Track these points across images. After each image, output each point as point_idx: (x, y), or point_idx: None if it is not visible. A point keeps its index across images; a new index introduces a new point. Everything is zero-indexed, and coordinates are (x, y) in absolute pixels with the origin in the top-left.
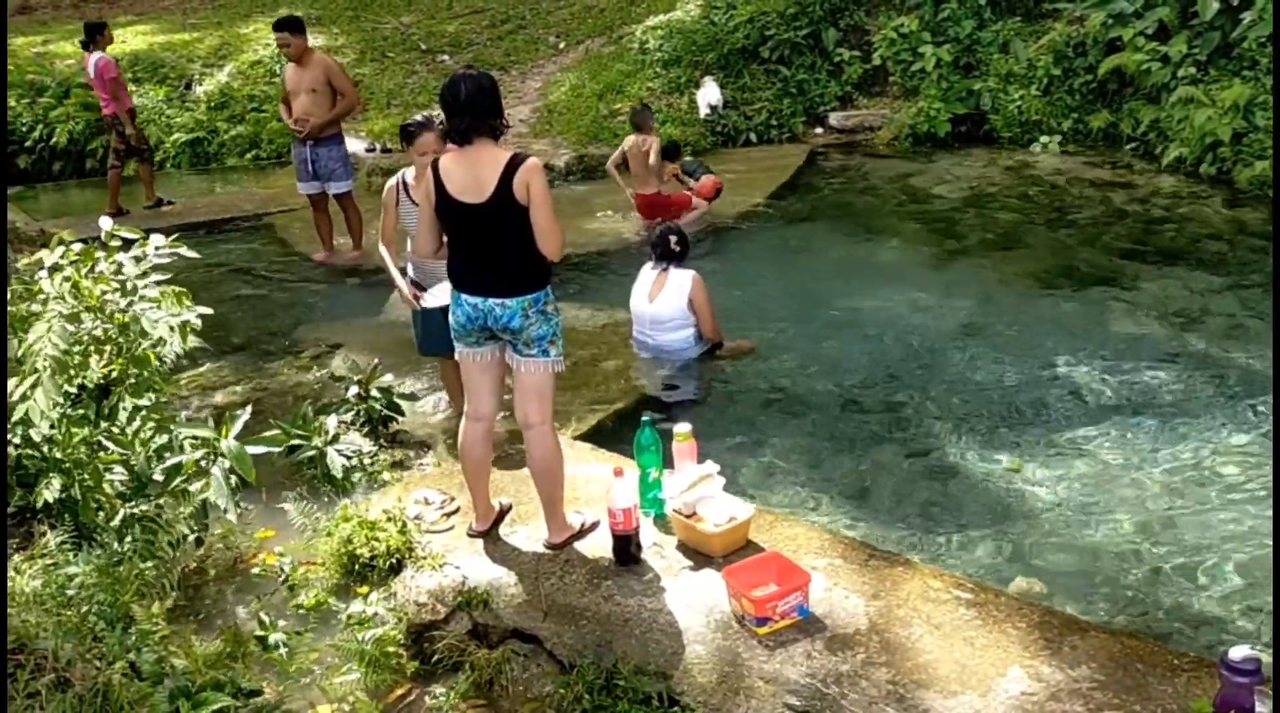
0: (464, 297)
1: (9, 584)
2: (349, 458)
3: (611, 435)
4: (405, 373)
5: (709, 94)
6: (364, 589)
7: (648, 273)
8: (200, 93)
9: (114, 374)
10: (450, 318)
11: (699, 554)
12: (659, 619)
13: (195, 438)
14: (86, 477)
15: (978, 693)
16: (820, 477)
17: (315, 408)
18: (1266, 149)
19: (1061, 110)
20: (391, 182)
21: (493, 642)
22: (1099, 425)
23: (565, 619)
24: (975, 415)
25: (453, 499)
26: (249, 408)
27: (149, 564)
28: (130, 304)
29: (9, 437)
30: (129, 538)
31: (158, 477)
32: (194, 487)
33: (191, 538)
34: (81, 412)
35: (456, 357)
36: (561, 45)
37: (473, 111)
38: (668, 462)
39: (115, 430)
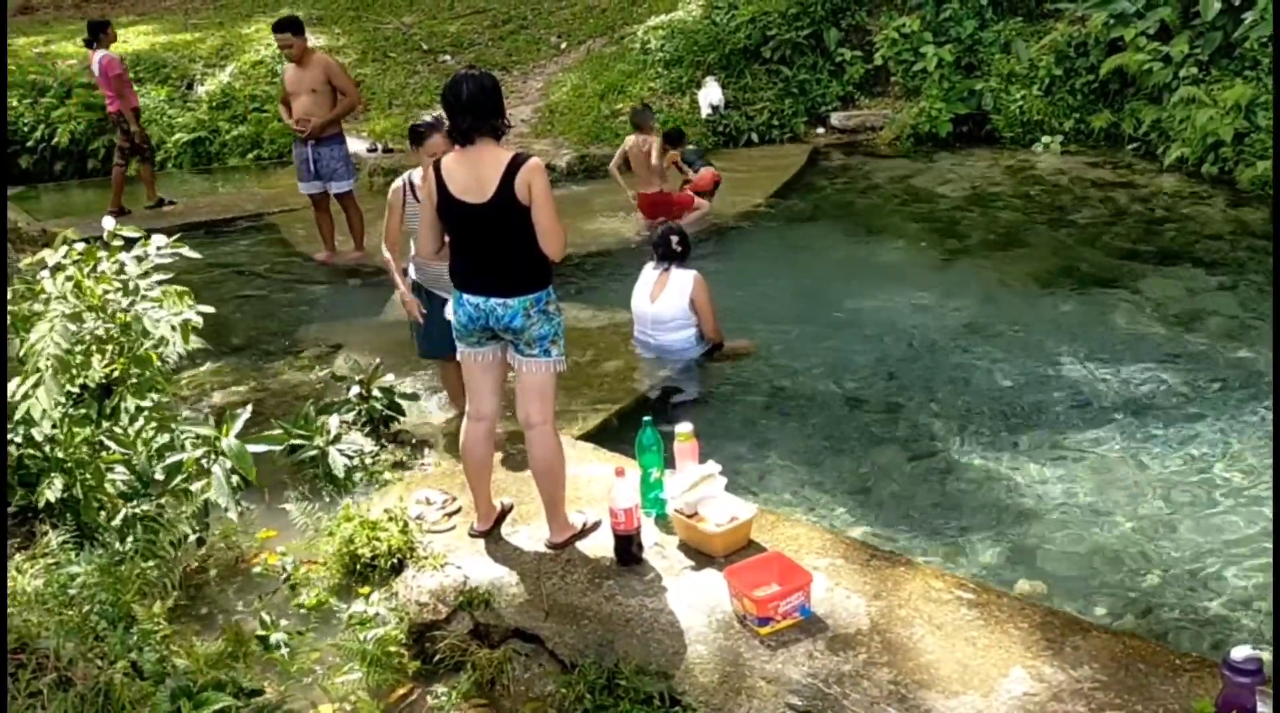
0: (466, 296)
1: (11, 584)
2: (350, 458)
3: (613, 435)
4: (406, 373)
5: (710, 94)
6: (365, 589)
7: (649, 273)
8: (202, 93)
9: (116, 374)
10: (452, 318)
11: (700, 554)
12: (660, 619)
13: (196, 436)
14: (88, 476)
15: (979, 693)
16: (822, 477)
17: (317, 408)
18: (1268, 149)
19: (1063, 110)
20: (398, 183)
21: (494, 642)
22: (1100, 426)
23: (567, 619)
24: (977, 415)
25: (454, 499)
26: (249, 407)
27: (150, 564)
28: (132, 304)
29: (11, 436)
30: (130, 538)
31: (159, 475)
32: (195, 486)
33: (193, 538)
34: (83, 411)
35: (458, 357)
36: (563, 45)
37: (475, 111)
38: (669, 462)
39: (117, 430)
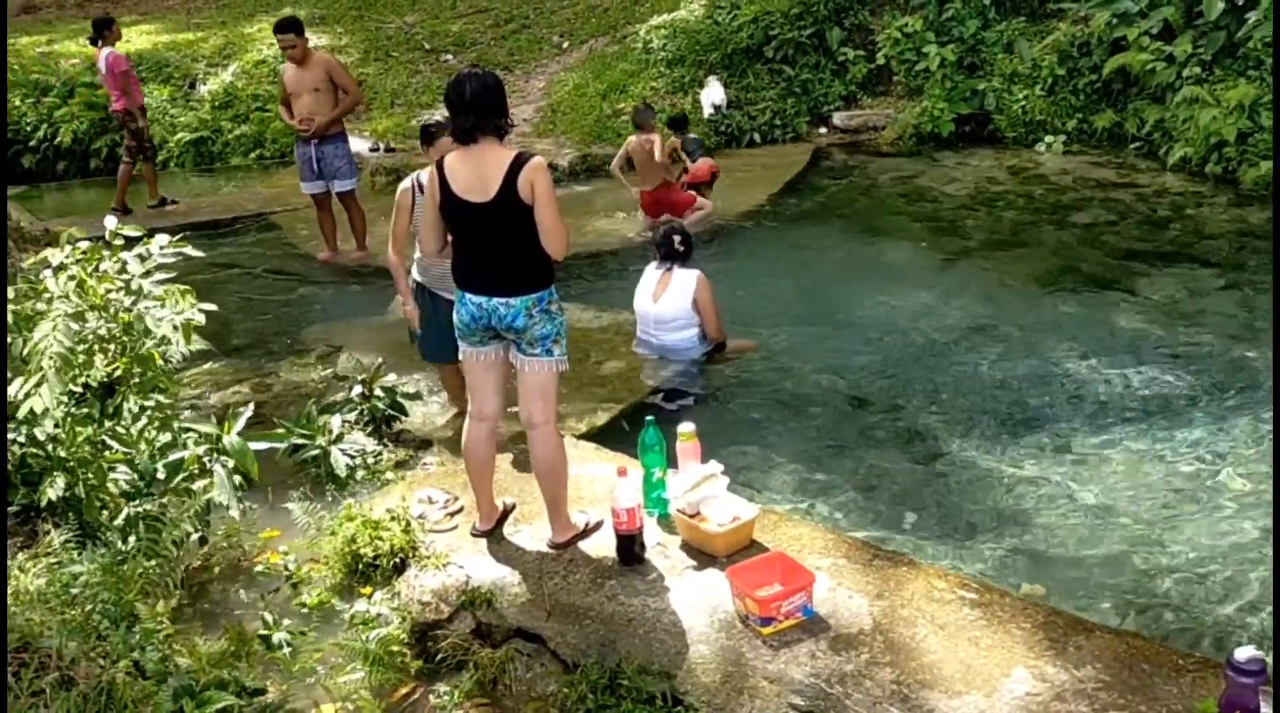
0: (468, 296)
1: (14, 583)
2: (353, 457)
3: (615, 435)
4: (409, 372)
5: (713, 94)
6: (368, 589)
7: (652, 273)
8: (204, 92)
9: (118, 373)
10: (454, 317)
11: (703, 554)
12: (663, 619)
13: (198, 435)
14: (91, 475)
15: (982, 693)
16: (824, 477)
17: (319, 407)
18: (1271, 149)
19: (1066, 110)
20: (406, 183)
21: (496, 641)
22: (1103, 426)
23: (569, 619)
24: (979, 416)
25: (456, 499)
26: (251, 406)
27: (153, 563)
28: (135, 303)
29: (14, 435)
30: (133, 537)
31: (161, 474)
32: (198, 485)
33: (195, 537)
34: (86, 410)
35: (460, 356)
36: (565, 45)
37: (478, 110)
38: (671, 461)
39: (119, 429)
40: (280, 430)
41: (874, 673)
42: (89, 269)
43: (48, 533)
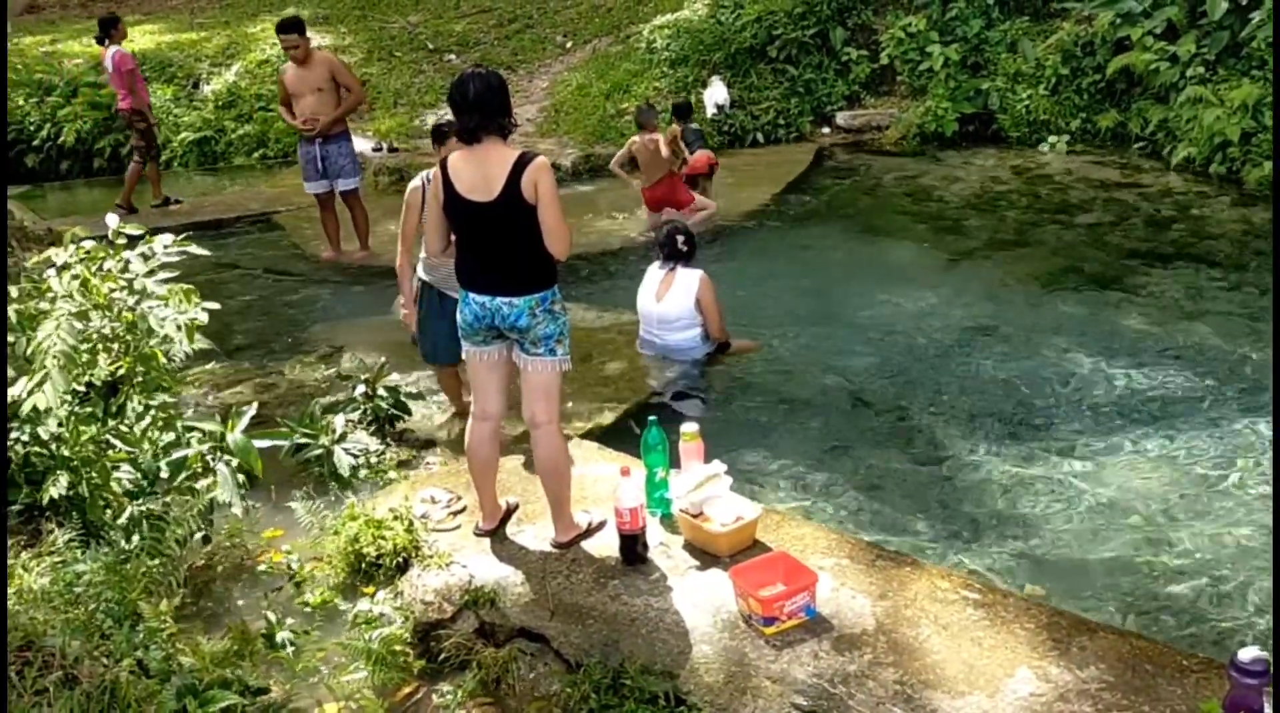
0: (471, 295)
1: (17, 582)
2: (356, 456)
3: (618, 435)
4: (412, 372)
5: (716, 93)
6: (370, 588)
7: (655, 272)
8: (208, 92)
9: (122, 372)
10: (458, 316)
11: (706, 554)
12: (666, 619)
13: (202, 433)
14: (94, 474)
15: (985, 694)
16: (827, 477)
17: (322, 407)
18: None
19: (1070, 110)
20: (416, 182)
21: (499, 641)
22: (1107, 426)
23: (572, 618)
24: (983, 415)
25: (459, 498)
26: (255, 405)
27: (156, 562)
28: (138, 302)
29: (18, 434)
30: (136, 536)
31: (164, 472)
32: (201, 484)
33: (199, 536)
34: (89, 409)
35: (464, 355)
36: (569, 45)
37: (482, 110)
38: (674, 461)
39: (123, 428)
40: (283, 430)
41: (877, 673)
42: (92, 268)
43: (51, 532)
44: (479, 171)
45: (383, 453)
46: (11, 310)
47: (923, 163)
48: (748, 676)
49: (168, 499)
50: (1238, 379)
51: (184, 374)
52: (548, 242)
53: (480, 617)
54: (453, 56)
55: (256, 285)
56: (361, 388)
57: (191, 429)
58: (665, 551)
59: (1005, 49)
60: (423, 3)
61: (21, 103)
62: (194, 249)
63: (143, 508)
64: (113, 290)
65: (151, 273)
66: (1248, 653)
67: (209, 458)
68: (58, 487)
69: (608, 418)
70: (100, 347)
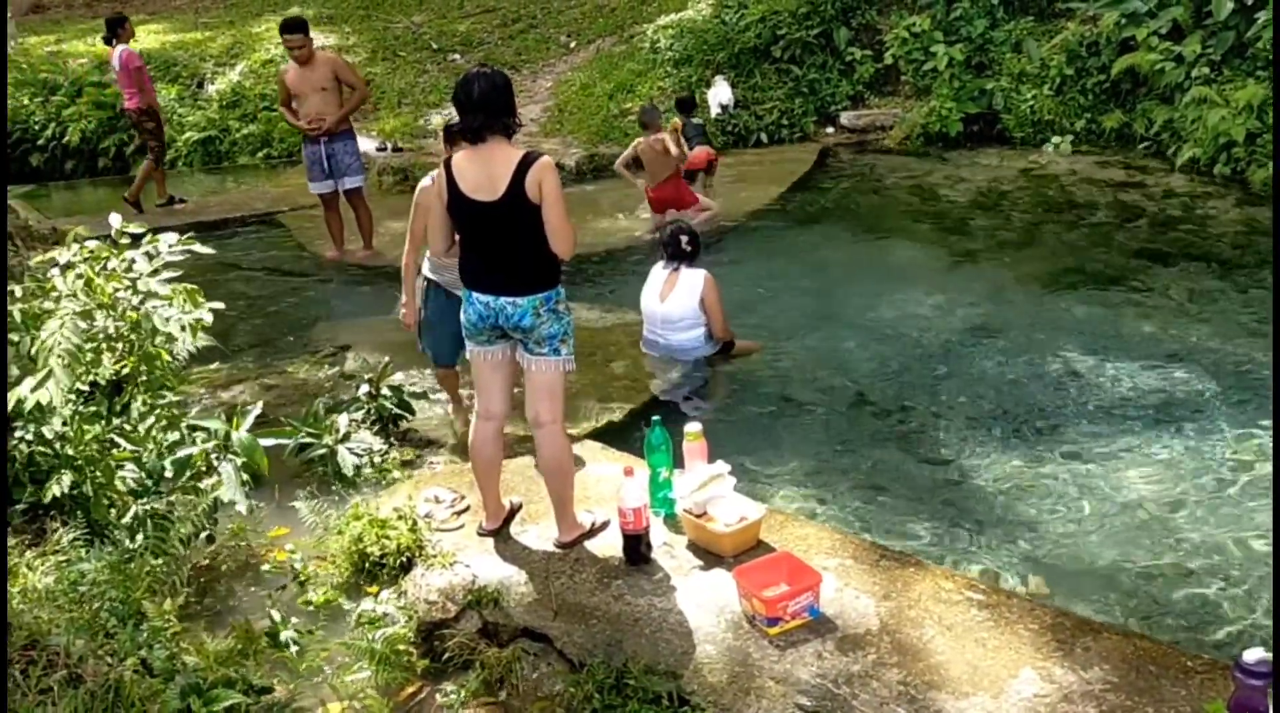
0: (475, 295)
1: (22, 581)
2: (360, 456)
3: (622, 435)
4: (416, 372)
5: (720, 93)
6: (374, 588)
7: (659, 272)
8: (212, 91)
9: (126, 371)
10: (462, 316)
11: (709, 554)
12: (669, 619)
13: (207, 432)
14: (98, 473)
15: (989, 694)
16: (831, 477)
17: (326, 406)
18: None
19: (1074, 110)
20: (426, 182)
21: (503, 640)
22: (1111, 426)
23: (575, 618)
24: (988, 416)
25: (463, 498)
26: (259, 404)
27: (160, 561)
28: (143, 301)
29: (22, 433)
30: (140, 535)
31: (169, 471)
32: (205, 483)
33: (203, 535)
34: (94, 408)
35: (467, 355)
36: (572, 44)
37: (486, 109)
38: (678, 461)
39: (127, 427)
40: (288, 429)
41: (881, 674)
42: (96, 268)
43: (56, 531)
44: (483, 171)
45: (386, 453)
46: (16, 309)
47: (927, 163)
48: (751, 676)
49: (172, 498)
50: (1243, 380)
51: (188, 373)
52: (552, 241)
53: (484, 617)
54: (457, 56)
55: (260, 285)
56: (365, 387)
57: (196, 428)
58: (669, 551)
59: (1010, 49)
60: (427, 2)
61: (26, 102)
62: (198, 248)
63: (147, 507)
64: (117, 290)
65: (156, 272)
66: (1253, 654)
67: (213, 457)
68: (61, 485)
69: (611, 418)
70: (104, 346)
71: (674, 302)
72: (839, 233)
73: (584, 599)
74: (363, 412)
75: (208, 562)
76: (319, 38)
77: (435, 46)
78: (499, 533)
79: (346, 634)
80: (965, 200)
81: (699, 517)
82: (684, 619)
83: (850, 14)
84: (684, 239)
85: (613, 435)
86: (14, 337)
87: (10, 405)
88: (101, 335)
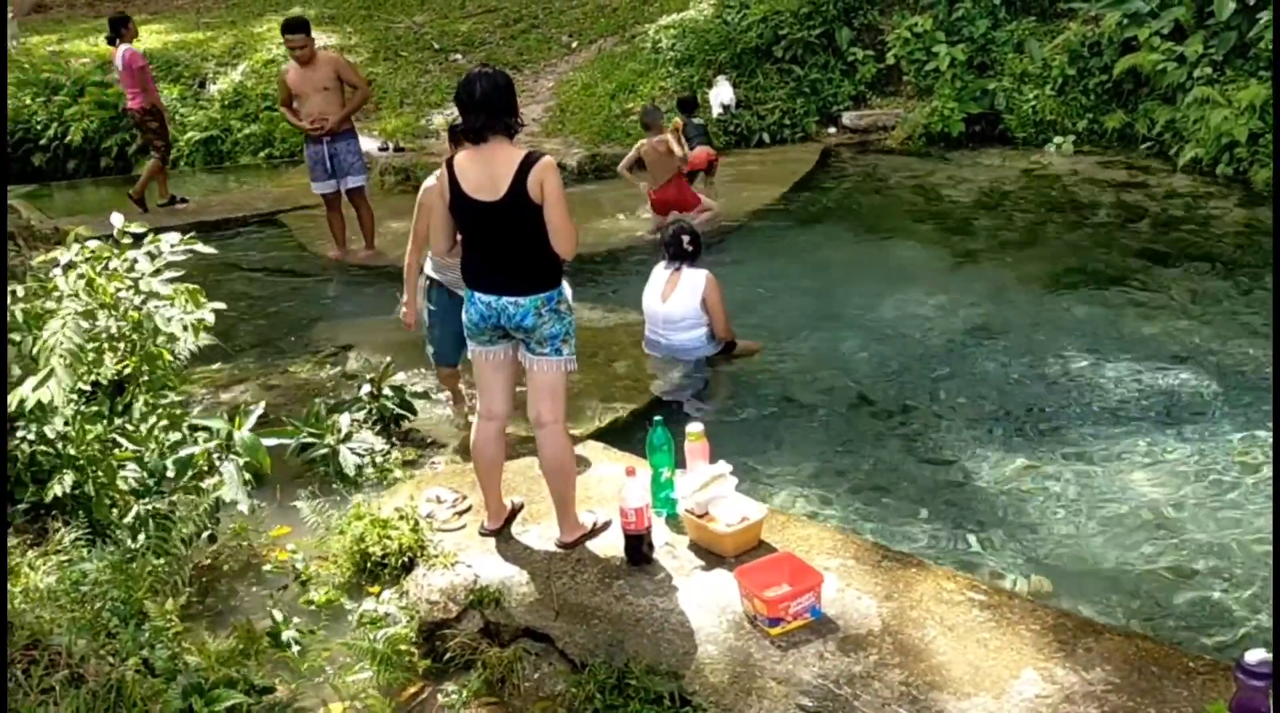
0: (477, 295)
1: (24, 580)
2: (361, 456)
3: (623, 435)
4: (417, 372)
5: (722, 93)
6: (376, 588)
7: (660, 272)
8: (214, 91)
9: (128, 371)
10: (463, 316)
11: (711, 554)
12: (671, 619)
13: (208, 431)
14: (100, 473)
15: (991, 695)
16: (833, 477)
17: (328, 406)
18: None
19: (1076, 110)
20: (430, 181)
21: (504, 640)
22: (1114, 427)
23: (577, 618)
24: (989, 416)
25: (465, 498)
26: (262, 404)
27: (162, 561)
28: (144, 301)
29: (24, 433)
30: (142, 535)
31: (170, 471)
32: (207, 483)
33: (205, 535)
34: (95, 408)
35: (469, 355)
36: (574, 44)
37: (488, 109)
38: (680, 461)
39: (129, 427)
40: (289, 429)
41: (882, 674)
42: (98, 268)
43: (57, 531)
44: (485, 171)
45: (388, 452)
46: (18, 309)
47: (929, 163)
48: (753, 676)
49: (174, 498)
50: (1245, 380)
51: (190, 373)
52: (554, 241)
53: (485, 617)
54: (458, 56)
55: (262, 285)
56: (367, 387)
57: (197, 428)
58: (670, 551)
59: (1012, 49)
60: (428, 2)
61: (28, 102)
62: (200, 248)
63: (149, 507)
64: (119, 289)
65: (158, 272)
66: (1254, 655)
67: (215, 457)
68: (63, 485)
69: (613, 418)
70: (106, 346)
71: (676, 302)
72: (841, 233)
73: (586, 599)
74: (364, 412)
75: (209, 562)
76: (321, 38)
77: (437, 46)
78: (501, 533)
79: (348, 634)
80: (967, 201)
81: (701, 517)
82: (686, 620)
83: (852, 14)
84: (685, 239)
85: (615, 436)
86: (16, 336)
87: (12, 405)
88: (103, 335)
